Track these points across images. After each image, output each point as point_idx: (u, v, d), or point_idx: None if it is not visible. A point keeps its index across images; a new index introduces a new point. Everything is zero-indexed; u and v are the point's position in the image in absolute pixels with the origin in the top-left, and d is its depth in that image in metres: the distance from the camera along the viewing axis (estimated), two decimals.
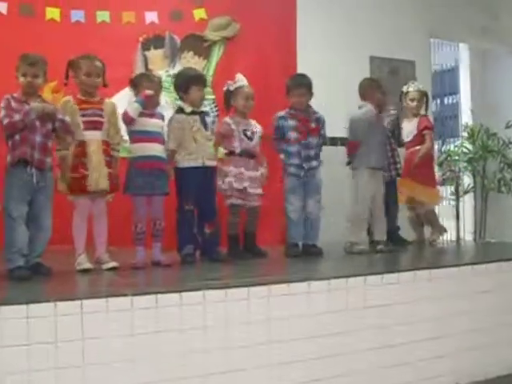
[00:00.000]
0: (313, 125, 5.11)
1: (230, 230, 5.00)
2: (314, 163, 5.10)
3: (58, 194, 4.18)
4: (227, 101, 5.12)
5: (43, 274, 3.87)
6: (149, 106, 4.50)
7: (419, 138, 5.85)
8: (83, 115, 4.21)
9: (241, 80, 5.09)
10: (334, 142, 6.31)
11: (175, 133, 4.70)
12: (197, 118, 4.77)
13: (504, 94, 8.73)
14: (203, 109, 4.98)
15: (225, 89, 5.12)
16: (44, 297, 2.89)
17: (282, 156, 5.16)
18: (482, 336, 3.94)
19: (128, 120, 4.43)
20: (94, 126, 4.25)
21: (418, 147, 5.80)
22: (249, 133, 5.04)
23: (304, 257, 4.92)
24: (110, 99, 4.61)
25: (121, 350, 2.84)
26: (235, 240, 5.02)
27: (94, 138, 4.23)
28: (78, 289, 3.61)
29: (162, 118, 4.68)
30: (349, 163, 5.38)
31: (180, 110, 4.82)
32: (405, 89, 6.01)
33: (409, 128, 5.92)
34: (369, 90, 5.42)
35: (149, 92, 4.45)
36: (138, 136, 4.50)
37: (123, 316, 2.88)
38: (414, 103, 5.93)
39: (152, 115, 4.56)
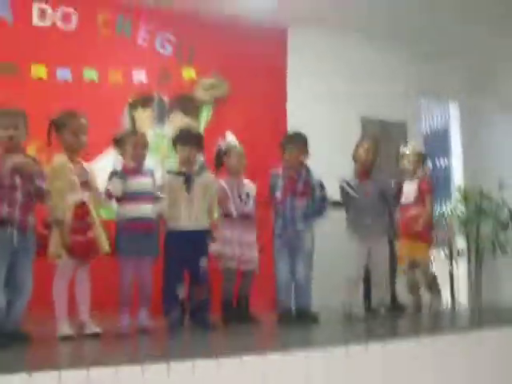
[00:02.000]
0: (300, 185, 4.91)
1: (225, 295, 4.80)
2: (301, 226, 4.88)
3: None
4: (218, 160, 4.97)
5: (22, 341, 3.60)
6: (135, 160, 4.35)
7: (419, 201, 5.70)
8: (77, 175, 4.02)
9: (231, 139, 4.96)
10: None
11: (165, 192, 4.52)
12: (180, 178, 4.58)
13: (497, 155, 8.63)
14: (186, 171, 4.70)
15: (216, 149, 4.98)
16: (19, 367, 2.63)
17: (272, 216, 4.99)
18: None
19: (110, 198, 4.28)
20: (86, 186, 4.06)
21: (414, 212, 5.64)
22: (243, 196, 4.89)
23: (298, 324, 4.65)
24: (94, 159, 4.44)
25: None
26: (228, 305, 4.81)
27: (88, 198, 4.04)
28: (57, 357, 3.31)
29: (151, 175, 4.49)
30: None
31: (171, 169, 4.68)
32: (402, 150, 5.89)
33: (408, 189, 5.77)
34: (354, 150, 5.35)
35: (129, 163, 4.31)
36: (125, 197, 4.30)
37: None
38: (412, 165, 5.80)
39: (139, 173, 4.37)
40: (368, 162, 5.30)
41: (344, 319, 4.92)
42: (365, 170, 5.32)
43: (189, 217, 4.53)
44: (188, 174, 4.60)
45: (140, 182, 4.35)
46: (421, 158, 5.85)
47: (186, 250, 4.44)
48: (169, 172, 4.66)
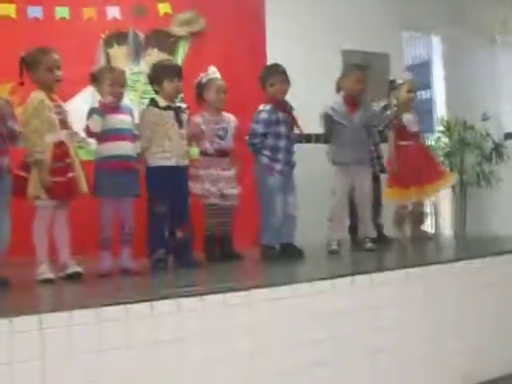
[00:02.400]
0: (292, 119, 4.84)
1: (208, 230, 4.72)
2: (294, 159, 4.86)
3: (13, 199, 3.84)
4: (199, 94, 4.82)
5: (1, 286, 3.51)
6: (113, 102, 4.18)
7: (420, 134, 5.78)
8: (56, 113, 3.87)
9: (213, 72, 4.82)
10: (308, 138, 6.09)
11: (146, 127, 4.38)
12: (171, 113, 4.44)
13: (479, 86, 8.55)
14: (179, 104, 4.61)
15: (196, 81, 4.83)
16: None
17: (266, 152, 4.77)
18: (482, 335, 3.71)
19: (91, 135, 4.14)
20: (65, 125, 3.93)
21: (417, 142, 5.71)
22: (221, 132, 4.75)
23: (283, 259, 4.61)
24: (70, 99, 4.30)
25: (85, 368, 2.53)
26: (213, 241, 4.75)
27: (68, 138, 3.92)
28: (37, 302, 3.24)
29: (130, 113, 4.35)
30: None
31: (154, 104, 4.48)
32: (398, 81, 5.78)
33: (412, 119, 5.71)
34: (341, 79, 5.12)
35: (107, 98, 4.15)
36: (103, 135, 4.15)
37: (89, 330, 2.57)
38: (412, 94, 5.73)
39: (117, 110, 4.23)
40: (356, 91, 5.08)
41: (328, 254, 4.84)
42: (353, 100, 5.09)
43: (183, 152, 4.45)
44: (177, 109, 4.49)
45: (119, 120, 4.21)
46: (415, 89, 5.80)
47: (171, 186, 4.35)
48: (155, 106, 4.46)
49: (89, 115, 4.14)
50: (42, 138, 3.78)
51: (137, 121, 4.43)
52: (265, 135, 4.76)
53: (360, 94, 5.11)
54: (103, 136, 4.16)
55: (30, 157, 3.78)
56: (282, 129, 4.76)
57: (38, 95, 3.85)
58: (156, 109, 4.43)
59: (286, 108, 4.82)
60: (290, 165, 4.81)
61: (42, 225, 3.87)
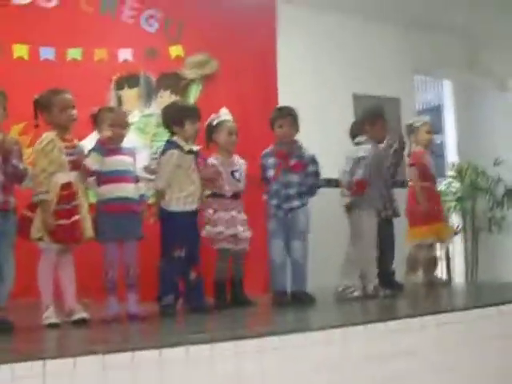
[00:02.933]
0: (292, 161, 4.76)
1: (219, 275, 4.62)
2: (296, 203, 4.74)
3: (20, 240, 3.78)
4: (209, 136, 4.77)
5: (5, 330, 3.44)
6: (112, 143, 4.13)
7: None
8: (67, 154, 3.83)
9: (224, 114, 4.76)
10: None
11: (170, 170, 4.31)
12: (192, 157, 4.40)
13: (491, 130, 8.51)
14: (195, 148, 4.52)
15: (207, 123, 4.77)
16: (2, 358, 2.46)
17: (264, 197, 4.82)
18: None
19: (89, 173, 4.03)
20: (74, 166, 3.87)
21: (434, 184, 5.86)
22: (237, 174, 4.71)
23: (294, 305, 4.52)
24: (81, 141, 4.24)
25: None
26: (223, 286, 4.65)
27: (77, 179, 3.86)
28: (41, 346, 3.14)
29: (131, 154, 4.28)
30: (351, 204, 4.98)
31: (176, 146, 4.39)
32: (417, 123, 5.80)
33: (431, 161, 5.80)
34: (371, 122, 5.06)
35: (105, 135, 4.08)
36: (104, 177, 4.09)
37: (94, 378, 2.47)
38: (431, 135, 5.77)
39: (118, 152, 4.17)
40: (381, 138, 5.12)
41: (338, 301, 4.75)
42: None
43: (197, 197, 4.39)
44: (196, 152, 4.45)
45: (120, 161, 4.15)
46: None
47: (186, 231, 4.30)
48: (176, 148, 4.37)
49: (87, 155, 4.07)
50: (48, 178, 3.73)
51: (142, 163, 4.38)
52: (263, 179, 4.83)
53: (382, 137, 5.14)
54: (103, 177, 4.09)
55: (35, 196, 3.72)
56: (270, 172, 4.76)
57: (48, 135, 3.82)
58: (181, 152, 4.36)
59: (279, 152, 4.77)
60: (284, 209, 4.72)
61: (46, 267, 3.79)
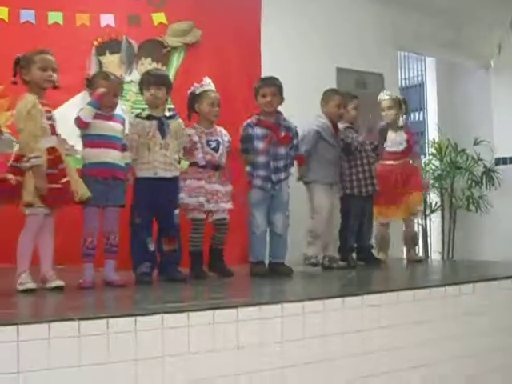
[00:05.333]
0: (282, 133, 4.74)
1: (193, 245, 4.58)
2: (283, 175, 4.75)
3: None
4: (191, 105, 4.72)
5: None
6: (105, 108, 4.07)
7: (406, 153, 5.74)
8: (47, 118, 3.76)
9: (207, 84, 4.72)
10: None
11: (132, 138, 4.29)
12: (154, 123, 4.35)
13: (472, 110, 8.53)
14: (163, 114, 4.48)
15: (189, 91, 4.73)
16: None
17: (247, 168, 4.77)
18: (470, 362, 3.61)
19: (81, 125, 3.97)
20: (54, 131, 3.81)
21: (398, 162, 5.72)
22: (213, 143, 4.65)
23: (271, 276, 4.54)
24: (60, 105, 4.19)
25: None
26: (198, 257, 4.61)
27: (59, 143, 3.81)
28: (15, 312, 3.08)
29: (121, 122, 4.22)
30: (300, 178, 5.10)
31: (137, 115, 4.42)
32: (379, 98, 5.76)
33: (395, 139, 5.70)
34: (327, 100, 5.19)
35: (101, 90, 4.01)
36: (91, 140, 4.04)
37: (68, 344, 2.45)
38: (392, 111, 5.65)
39: (109, 118, 4.11)
40: (337, 115, 5.21)
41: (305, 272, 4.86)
42: (335, 123, 5.23)
43: (164, 163, 4.32)
44: (160, 118, 4.39)
45: (110, 126, 4.09)
46: (399, 105, 5.75)
47: (157, 198, 4.27)
48: (138, 116, 4.40)
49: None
50: (37, 143, 3.66)
51: (127, 131, 4.34)
52: (247, 151, 4.74)
53: (340, 118, 5.24)
54: (92, 140, 4.04)
55: (25, 162, 3.64)
56: (260, 144, 4.70)
57: (30, 98, 3.72)
58: (138, 119, 4.36)
59: (268, 123, 4.74)
60: (271, 181, 4.71)
61: (30, 234, 3.73)
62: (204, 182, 4.55)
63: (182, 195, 4.49)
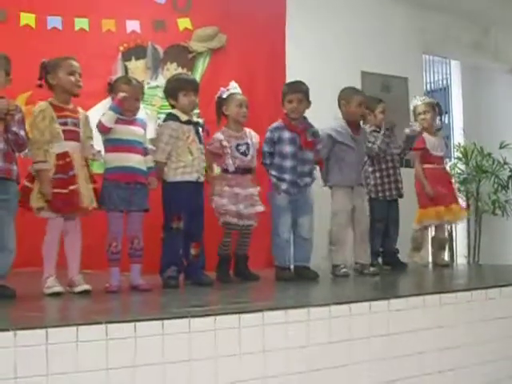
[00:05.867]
0: (309, 138, 4.74)
1: (222, 249, 4.63)
2: (308, 180, 4.75)
3: (23, 210, 3.76)
4: (219, 109, 4.74)
5: (7, 297, 3.44)
6: (126, 112, 4.09)
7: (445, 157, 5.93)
8: (61, 123, 3.79)
9: (234, 87, 4.73)
10: None
11: (166, 141, 4.29)
12: (191, 128, 4.38)
13: (498, 113, 8.47)
14: (196, 119, 4.53)
15: (217, 96, 4.75)
16: (3, 324, 2.46)
17: (272, 172, 4.76)
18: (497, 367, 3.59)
19: (103, 130, 3.99)
20: (73, 136, 3.84)
21: (442, 166, 5.94)
22: (243, 147, 4.66)
23: (297, 281, 4.54)
24: (86, 111, 4.21)
25: None
26: (226, 261, 4.65)
27: (75, 149, 3.83)
28: (43, 315, 3.12)
29: (143, 126, 4.24)
30: (323, 182, 5.10)
31: (173, 118, 4.39)
32: (412, 104, 5.83)
33: (435, 142, 5.77)
34: (348, 99, 5.07)
35: (121, 95, 4.02)
36: (113, 145, 4.05)
37: (96, 347, 2.47)
38: (428, 115, 5.71)
39: (131, 122, 4.13)
40: (359, 115, 5.11)
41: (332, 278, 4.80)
42: (355, 124, 5.12)
43: (202, 168, 4.38)
44: (197, 124, 4.43)
45: (132, 131, 4.11)
46: (434, 110, 5.79)
47: (195, 202, 4.34)
48: (175, 120, 4.37)
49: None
50: (41, 149, 3.71)
51: (150, 135, 4.36)
52: (271, 154, 4.74)
53: (362, 119, 5.19)
54: (114, 145, 4.06)
55: (32, 167, 3.73)
56: (287, 148, 4.70)
57: (40, 105, 3.80)
58: (177, 123, 4.35)
59: (295, 127, 4.73)
60: (297, 186, 4.70)
61: (52, 237, 3.78)
62: (239, 189, 4.58)
63: (222, 201, 4.51)
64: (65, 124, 3.82)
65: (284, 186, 4.69)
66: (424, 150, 5.71)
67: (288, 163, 4.69)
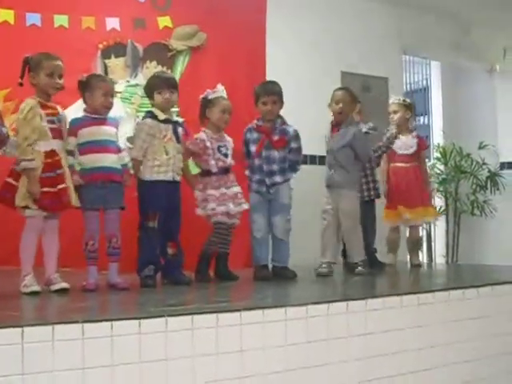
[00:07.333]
0: (276, 137, 4.74)
1: (209, 248, 4.61)
2: (278, 178, 4.73)
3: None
4: (203, 110, 4.72)
5: None
6: (102, 109, 4.08)
7: (415, 157, 5.74)
8: (49, 121, 3.78)
9: (221, 91, 4.73)
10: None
11: (143, 139, 4.29)
12: (169, 126, 4.36)
13: (477, 114, 8.53)
14: (175, 118, 4.54)
15: (202, 96, 4.73)
16: None
17: (246, 172, 4.82)
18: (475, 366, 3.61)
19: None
20: (57, 134, 3.83)
21: (409, 164, 5.72)
22: (224, 149, 4.66)
23: (276, 280, 4.54)
24: (65, 109, 4.19)
25: None
26: (207, 260, 4.64)
27: (60, 148, 3.82)
28: (20, 314, 3.10)
29: (115, 124, 4.21)
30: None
31: (152, 116, 4.38)
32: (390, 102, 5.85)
33: (406, 142, 5.72)
34: (331, 98, 5.06)
35: (100, 103, 4.04)
36: (87, 147, 4.02)
37: (72, 346, 2.46)
38: (398, 115, 5.70)
39: (103, 122, 4.11)
40: (336, 112, 5.01)
41: (316, 277, 4.78)
42: (336, 122, 5.06)
43: (178, 167, 4.37)
44: (175, 122, 4.43)
45: (104, 131, 4.09)
46: (408, 110, 5.77)
47: (172, 202, 4.32)
48: (153, 118, 4.36)
49: (68, 130, 4.00)
50: (31, 147, 3.68)
51: (129, 133, 4.34)
52: (247, 155, 4.82)
53: (343, 115, 5.01)
54: (87, 147, 4.02)
55: (18, 165, 3.68)
56: (253, 148, 4.75)
57: (29, 102, 3.76)
58: (154, 121, 4.34)
59: (262, 127, 4.77)
60: (265, 185, 4.72)
61: (30, 236, 3.75)
62: (224, 189, 4.58)
63: (211, 205, 4.51)
64: (52, 122, 3.81)
65: (254, 185, 4.75)
66: (390, 149, 5.72)
67: (256, 162, 4.75)
